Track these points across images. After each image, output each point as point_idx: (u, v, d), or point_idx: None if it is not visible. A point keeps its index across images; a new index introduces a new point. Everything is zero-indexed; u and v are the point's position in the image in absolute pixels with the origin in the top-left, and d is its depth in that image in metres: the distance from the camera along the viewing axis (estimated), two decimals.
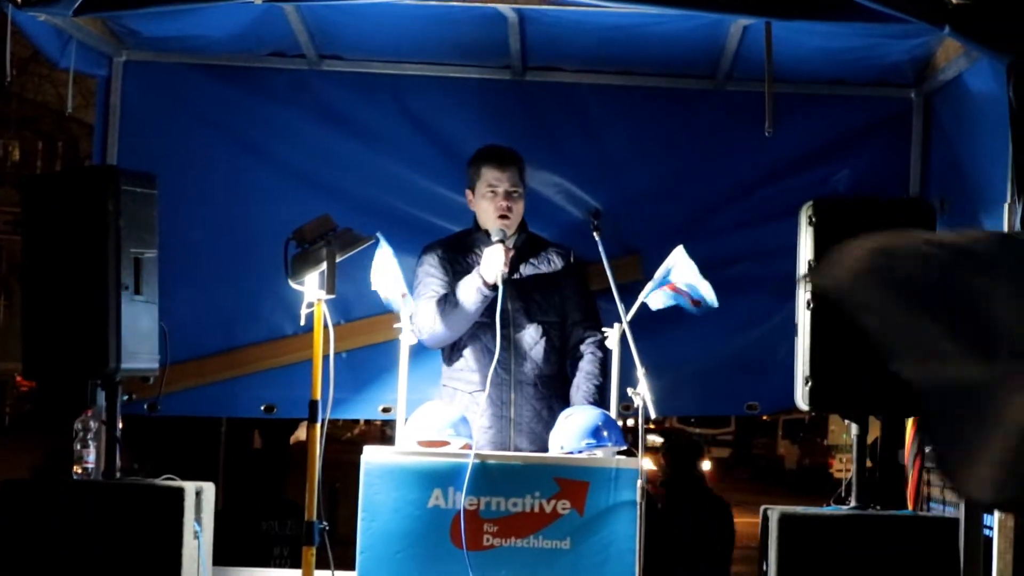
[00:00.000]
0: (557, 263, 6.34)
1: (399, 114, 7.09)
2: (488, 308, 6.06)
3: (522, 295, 6.22)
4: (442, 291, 6.19)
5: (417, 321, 6.13)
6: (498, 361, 6.10)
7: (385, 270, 5.88)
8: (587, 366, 6.23)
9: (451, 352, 6.32)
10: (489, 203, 6.23)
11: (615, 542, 5.63)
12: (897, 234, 2.93)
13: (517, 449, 6.08)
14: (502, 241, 6.08)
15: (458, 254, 6.26)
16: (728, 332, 7.03)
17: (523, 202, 6.29)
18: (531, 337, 6.21)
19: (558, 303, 6.27)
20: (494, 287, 6.02)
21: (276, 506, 8.82)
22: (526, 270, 6.29)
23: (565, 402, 6.18)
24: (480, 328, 6.12)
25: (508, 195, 6.21)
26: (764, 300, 6.94)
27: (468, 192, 6.33)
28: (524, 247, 6.32)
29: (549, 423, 6.08)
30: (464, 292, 6.09)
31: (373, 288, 5.91)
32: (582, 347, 6.26)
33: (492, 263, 6.03)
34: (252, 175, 7.04)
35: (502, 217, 6.20)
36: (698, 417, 39.07)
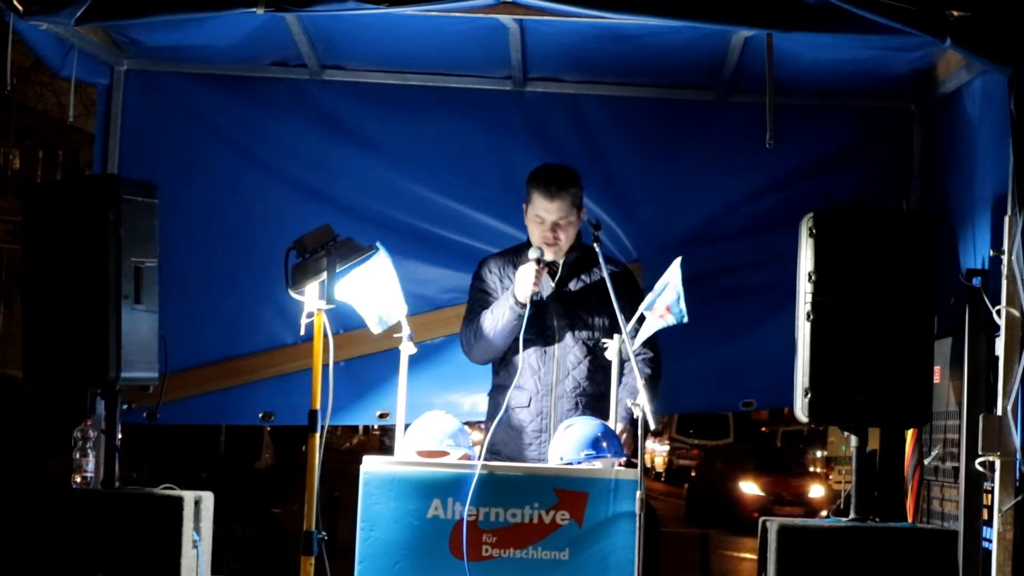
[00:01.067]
0: (608, 281, 6.30)
1: (400, 124, 7.09)
2: (533, 325, 6.04)
3: (568, 313, 6.19)
4: (488, 306, 6.18)
5: (463, 336, 6.19)
6: (540, 378, 6.09)
7: (383, 280, 5.89)
8: (631, 381, 6.04)
9: (498, 366, 6.30)
10: (536, 229, 6.19)
11: (614, 553, 5.61)
12: None
13: None
14: (538, 261, 6.05)
15: (509, 267, 6.23)
16: (726, 335, 7.06)
17: (574, 228, 6.21)
18: (575, 355, 6.18)
19: (605, 322, 6.20)
20: (526, 305, 6.02)
21: (226, 509, 8.72)
22: (575, 287, 6.25)
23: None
24: (525, 344, 6.08)
25: (555, 226, 6.16)
26: (762, 305, 6.96)
27: (524, 206, 6.26)
28: (576, 263, 6.27)
29: None
30: (499, 309, 6.09)
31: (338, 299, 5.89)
32: (630, 363, 6.21)
33: (523, 282, 6.02)
34: (253, 184, 7.05)
35: (547, 244, 6.17)
36: (697, 428, 39.13)
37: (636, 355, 6.10)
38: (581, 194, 6.26)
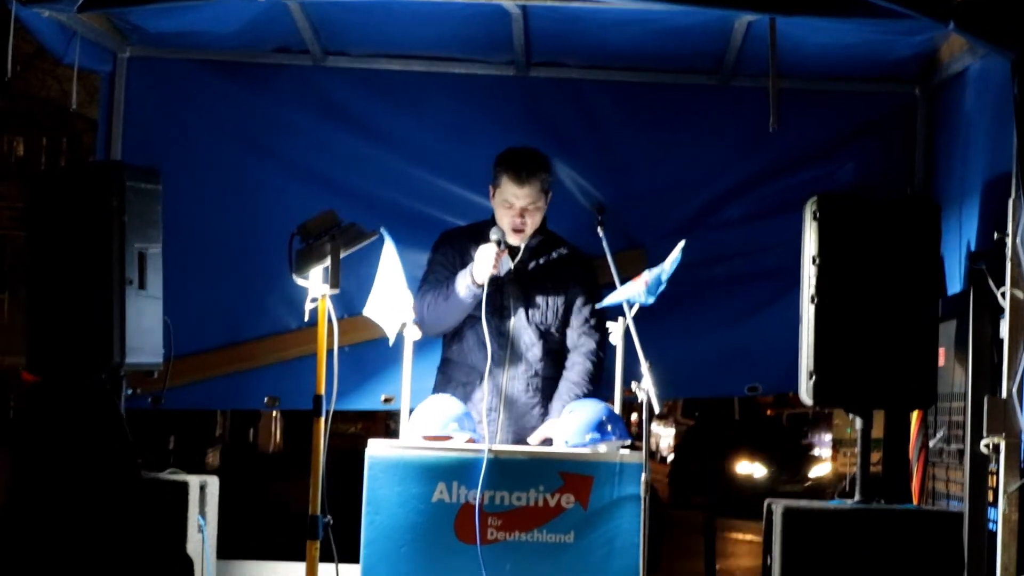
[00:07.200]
0: (567, 267, 6.31)
1: (403, 110, 7.09)
2: (489, 304, 6.07)
3: (524, 296, 6.23)
4: (444, 280, 6.21)
5: (416, 306, 6.16)
6: (491, 358, 6.10)
7: (387, 266, 5.89)
8: (572, 375, 6.22)
9: (450, 341, 6.35)
10: (504, 213, 6.22)
11: (619, 536, 5.64)
12: None
13: None
14: (498, 243, 6.07)
15: (471, 244, 6.23)
16: (730, 320, 7.06)
17: (540, 213, 6.25)
18: (529, 337, 6.22)
19: (560, 308, 6.26)
20: (483, 286, 6.04)
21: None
22: (534, 270, 6.28)
23: None
24: (479, 322, 6.12)
25: (523, 211, 6.19)
26: (767, 289, 6.95)
27: (490, 187, 6.32)
28: (537, 248, 6.31)
29: (539, 424, 6.12)
30: (456, 287, 6.12)
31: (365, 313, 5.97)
32: (573, 355, 6.26)
33: (482, 263, 6.04)
34: (256, 170, 7.05)
35: (515, 230, 6.20)
36: (702, 411, 39.10)
37: (586, 349, 6.17)
38: (550, 179, 6.30)
